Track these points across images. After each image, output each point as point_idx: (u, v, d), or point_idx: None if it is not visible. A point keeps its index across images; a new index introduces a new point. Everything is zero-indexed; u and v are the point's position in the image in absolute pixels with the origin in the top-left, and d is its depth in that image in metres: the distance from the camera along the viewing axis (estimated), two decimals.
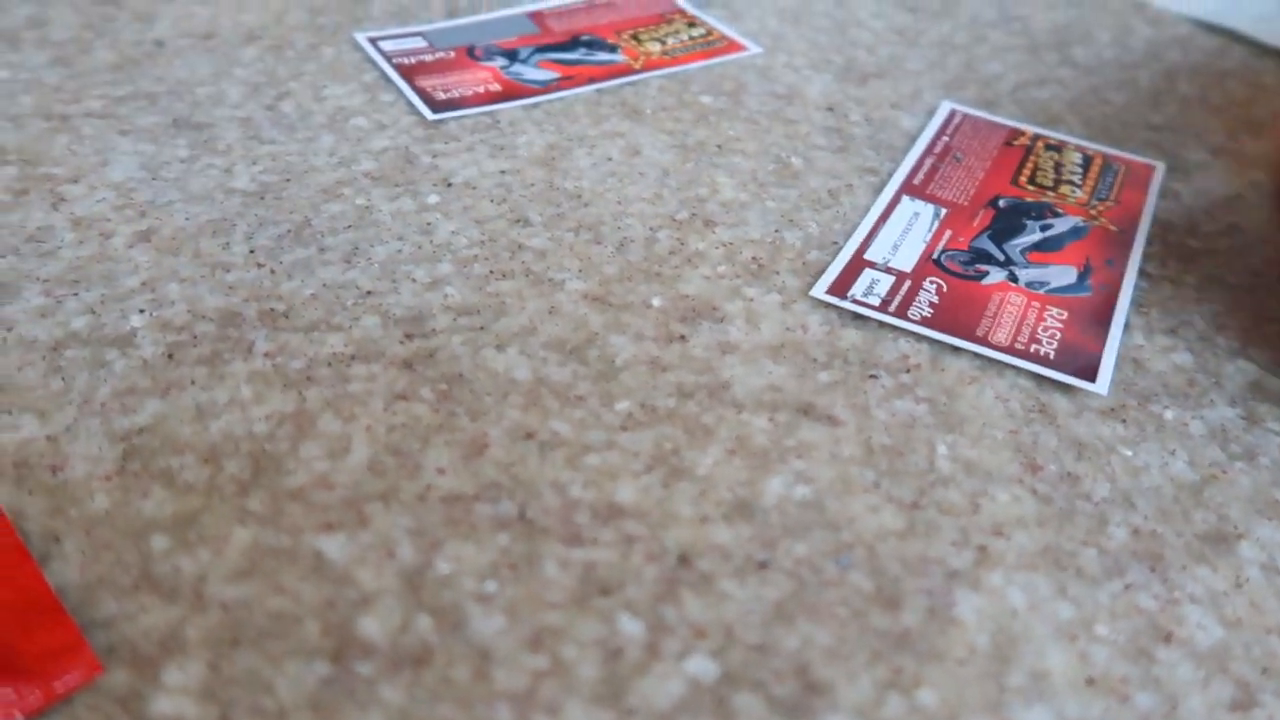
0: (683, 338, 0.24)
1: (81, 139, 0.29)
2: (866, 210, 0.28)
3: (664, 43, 0.35)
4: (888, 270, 0.26)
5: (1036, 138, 0.31)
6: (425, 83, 0.32)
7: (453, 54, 0.34)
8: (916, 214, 0.28)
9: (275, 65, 0.33)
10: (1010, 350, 0.24)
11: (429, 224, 0.27)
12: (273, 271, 0.25)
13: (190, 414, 0.21)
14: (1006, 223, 0.28)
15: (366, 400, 0.22)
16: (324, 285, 0.25)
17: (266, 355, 0.23)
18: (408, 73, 0.33)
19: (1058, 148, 0.31)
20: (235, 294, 0.24)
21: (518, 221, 0.27)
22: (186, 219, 0.26)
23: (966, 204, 0.29)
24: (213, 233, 0.26)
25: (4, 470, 0.20)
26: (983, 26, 0.38)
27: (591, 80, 0.33)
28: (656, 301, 0.25)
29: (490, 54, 0.34)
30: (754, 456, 0.21)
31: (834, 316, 0.25)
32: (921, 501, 0.20)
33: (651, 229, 0.27)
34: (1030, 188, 0.29)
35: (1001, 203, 0.28)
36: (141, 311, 0.24)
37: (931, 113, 0.33)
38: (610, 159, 0.29)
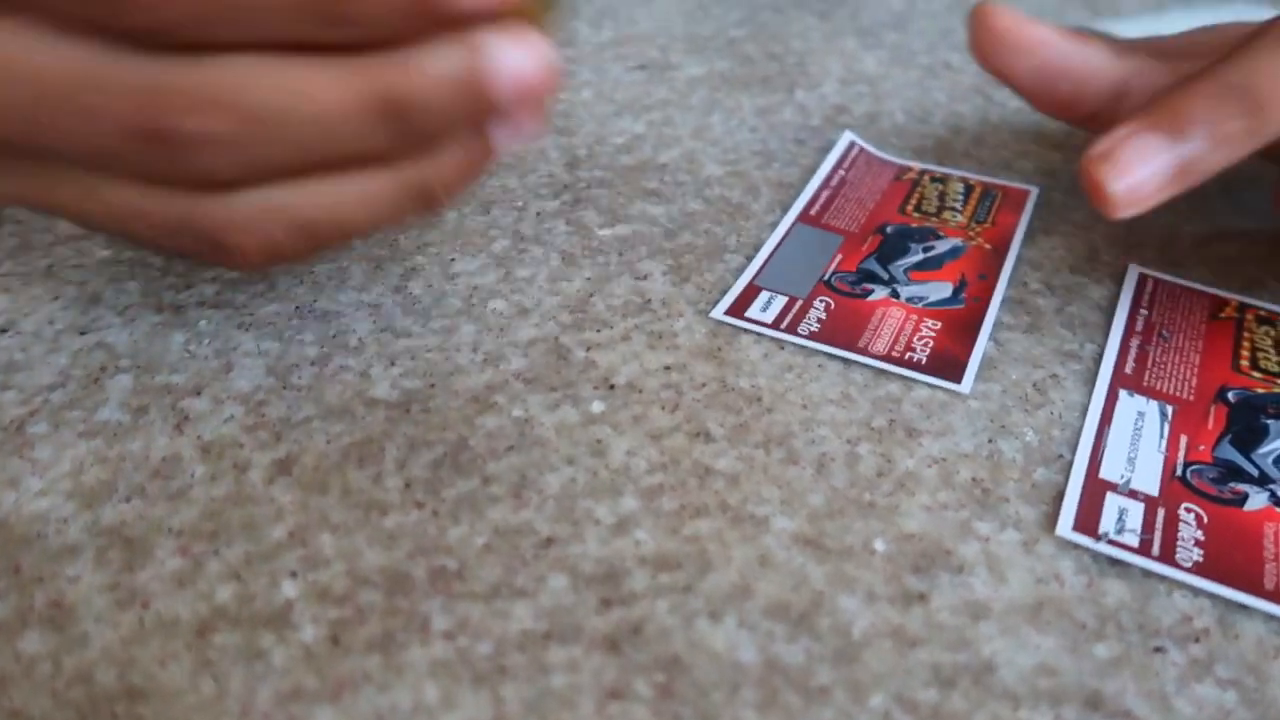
0: (922, 597, 0.20)
1: (199, 336, 0.26)
2: (1084, 411, 0.25)
3: None
4: (1131, 495, 0.23)
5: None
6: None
7: None
8: (1141, 414, 0.25)
9: (396, 234, 0.30)
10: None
11: (599, 441, 0.24)
12: (435, 513, 0.22)
13: None
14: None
15: (574, 700, 0.18)
16: (496, 531, 0.21)
17: (446, 636, 0.19)
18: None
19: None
20: (398, 547, 0.21)
21: (698, 436, 0.24)
22: (328, 441, 0.23)
23: (1190, 399, 0.25)
24: (359, 460, 0.23)
25: None
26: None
27: None
28: (880, 545, 0.21)
29: None
30: None
31: (1088, 561, 0.21)
32: None
33: (849, 442, 0.24)
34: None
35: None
36: (294, 575, 0.20)
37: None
38: (783, 347, 0.26)
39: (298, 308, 0.27)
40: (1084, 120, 0.29)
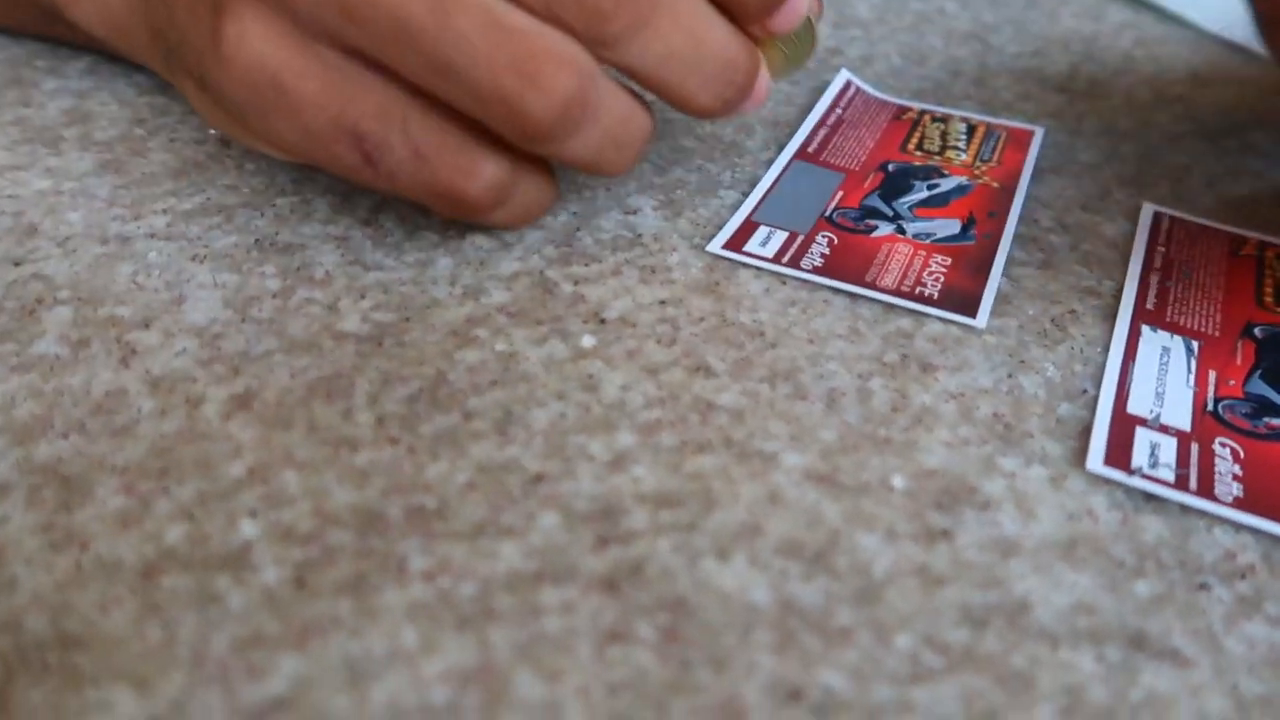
0: (946, 534, 0.19)
1: (148, 268, 0.24)
2: (1106, 346, 0.23)
3: None
4: (1162, 429, 0.21)
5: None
6: None
7: None
8: (1166, 349, 0.23)
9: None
10: None
11: (590, 376, 0.22)
12: (412, 450, 0.20)
13: (341, 675, 0.16)
14: None
15: (570, 645, 0.16)
16: (479, 468, 0.19)
17: (425, 577, 0.17)
18: None
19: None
20: (370, 485, 0.19)
21: (698, 370, 0.22)
22: (291, 376, 0.21)
23: (1216, 335, 0.24)
24: (327, 395, 0.21)
25: None
26: None
27: None
28: (898, 482, 0.20)
29: None
30: (1098, 718, 0.16)
31: (1121, 497, 0.20)
32: None
33: (860, 377, 0.22)
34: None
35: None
36: (253, 514, 0.18)
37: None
38: (785, 282, 0.25)
39: (258, 240, 0.25)
40: None
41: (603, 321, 0.23)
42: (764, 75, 0.24)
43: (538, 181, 0.23)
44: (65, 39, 0.31)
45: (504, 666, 0.16)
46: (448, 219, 0.26)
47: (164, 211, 0.25)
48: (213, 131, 0.29)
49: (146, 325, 0.22)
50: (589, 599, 0.17)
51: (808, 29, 0.25)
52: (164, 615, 0.16)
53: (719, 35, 0.22)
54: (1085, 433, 0.21)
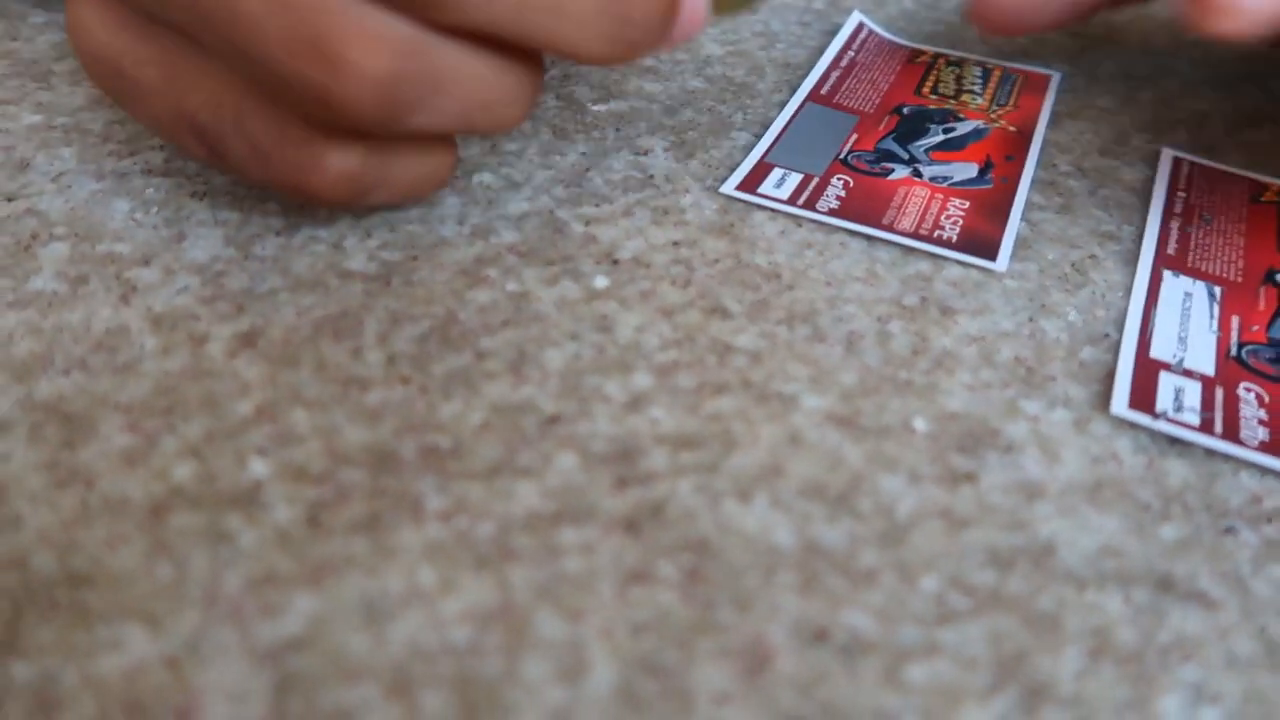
0: (970, 477, 0.18)
1: (146, 205, 0.23)
2: (1128, 291, 0.23)
3: None
4: (1186, 374, 0.21)
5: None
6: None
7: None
8: (1188, 294, 0.23)
9: None
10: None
11: (604, 317, 0.21)
12: (424, 389, 0.19)
13: (358, 614, 0.15)
14: None
15: (591, 584, 0.16)
16: (494, 409, 0.19)
17: (442, 517, 0.17)
18: None
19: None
20: (382, 424, 0.18)
21: (714, 312, 0.21)
22: (297, 314, 0.20)
23: (1239, 281, 0.24)
24: (335, 334, 0.20)
25: None
26: None
27: None
28: (920, 424, 0.19)
29: None
30: (1126, 661, 0.16)
31: (1145, 441, 0.19)
32: None
33: (880, 320, 0.22)
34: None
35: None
36: (263, 453, 0.18)
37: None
38: (800, 224, 0.24)
39: None
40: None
41: (615, 262, 0.23)
42: (694, 2, 0.20)
43: (417, 158, 0.21)
44: None
45: (525, 607, 0.16)
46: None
47: (160, 148, 0.25)
48: None
49: (146, 262, 0.21)
50: (610, 540, 0.17)
51: None
52: (174, 553, 0.16)
53: None
54: (1109, 377, 0.21)
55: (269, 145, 0.19)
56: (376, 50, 0.17)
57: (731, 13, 0.25)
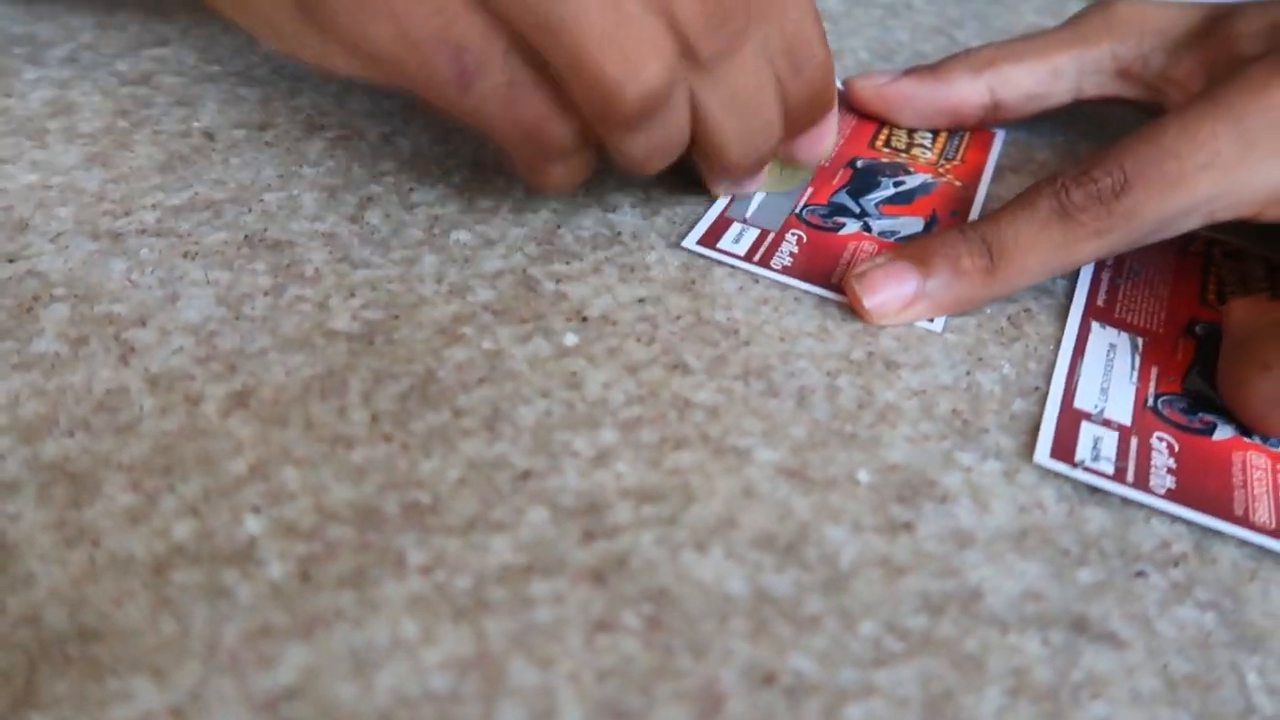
0: (908, 526, 0.20)
1: (142, 265, 0.24)
2: (1058, 343, 0.25)
3: None
4: (1105, 424, 0.23)
5: None
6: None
7: None
8: (1113, 345, 0.25)
9: (349, 162, 0.28)
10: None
11: (574, 374, 0.23)
12: (405, 446, 0.21)
13: (346, 664, 0.17)
14: None
15: (561, 634, 0.18)
16: (470, 464, 0.20)
17: (423, 570, 0.18)
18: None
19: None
20: (367, 481, 0.20)
21: (676, 368, 0.23)
22: (287, 374, 0.22)
23: (1160, 331, 0.26)
24: (322, 393, 0.22)
25: None
26: None
27: None
28: (864, 476, 0.21)
29: None
30: (1042, 699, 0.17)
31: (1068, 490, 0.21)
32: None
33: (829, 375, 0.23)
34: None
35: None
36: (256, 510, 0.19)
37: None
38: (757, 280, 0.26)
39: (247, 236, 0.25)
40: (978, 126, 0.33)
41: (584, 320, 0.24)
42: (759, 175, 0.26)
43: (589, 156, 0.24)
44: None
45: (499, 655, 0.17)
46: (504, 163, 0.28)
47: (153, 207, 0.26)
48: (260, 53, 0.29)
49: (143, 323, 0.23)
50: (578, 590, 0.18)
51: (808, 169, 0.28)
52: (176, 608, 0.17)
53: (771, 97, 0.24)
54: (1036, 428, 0.23)
55: (527, 85, 0.21)
56: (661, 65, 0.20)
57: (783, 190, 0.29)
